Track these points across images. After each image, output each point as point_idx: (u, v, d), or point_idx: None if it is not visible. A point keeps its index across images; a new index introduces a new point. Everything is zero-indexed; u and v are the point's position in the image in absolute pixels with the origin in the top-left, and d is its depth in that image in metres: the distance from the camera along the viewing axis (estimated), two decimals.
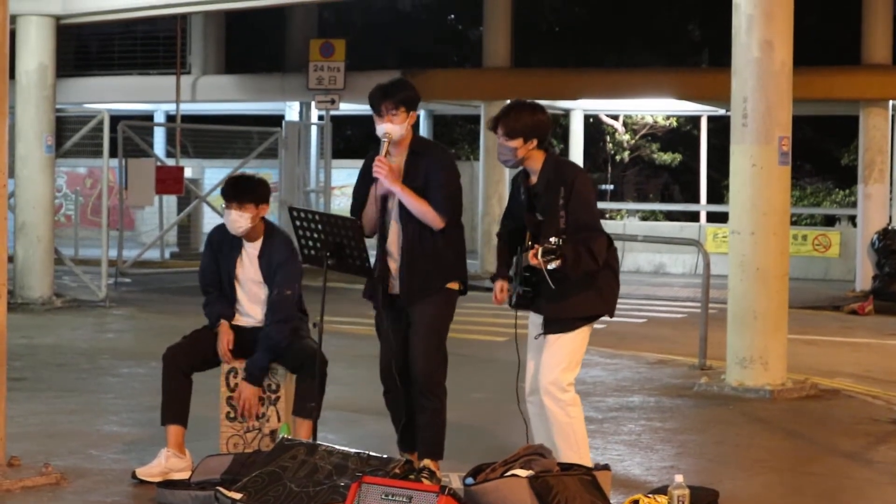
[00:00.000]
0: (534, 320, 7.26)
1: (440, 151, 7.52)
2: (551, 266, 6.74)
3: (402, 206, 7.35)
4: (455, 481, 7.23)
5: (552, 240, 6.76)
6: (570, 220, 6.94)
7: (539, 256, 6.75)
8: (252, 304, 7.89)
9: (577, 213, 6.96)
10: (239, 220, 7.72)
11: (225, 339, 7.79)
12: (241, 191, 7.74)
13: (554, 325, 7.11)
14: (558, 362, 7.08)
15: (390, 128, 7.31)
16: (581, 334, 7.14)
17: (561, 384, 7.08)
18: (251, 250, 7.83)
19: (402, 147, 7.41)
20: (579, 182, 7.02)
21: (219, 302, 7.90)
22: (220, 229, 7.92)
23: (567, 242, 6.81)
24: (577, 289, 7.00)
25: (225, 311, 7.87)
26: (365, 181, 7.53)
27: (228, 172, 25.57)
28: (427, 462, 7.34)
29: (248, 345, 7.82)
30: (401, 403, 7.52)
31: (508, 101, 7.25)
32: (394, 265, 7.40)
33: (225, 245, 7.87)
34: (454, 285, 7.43)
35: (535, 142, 7.09)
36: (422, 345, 7.35)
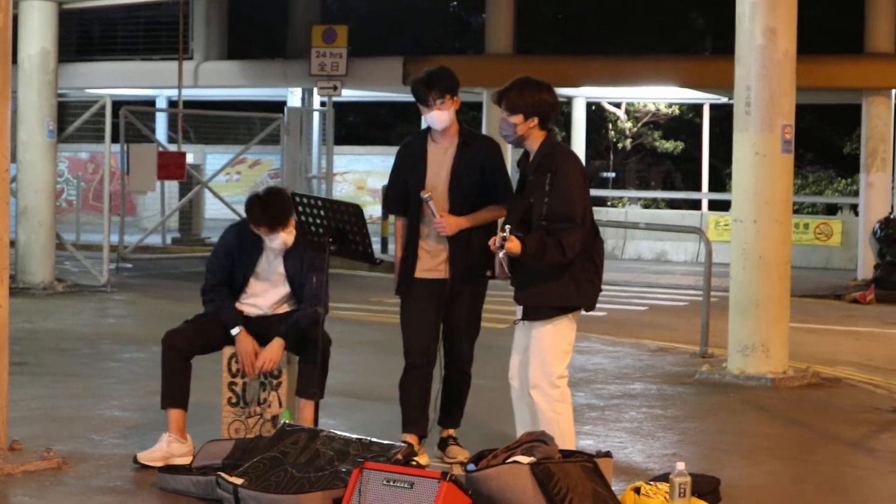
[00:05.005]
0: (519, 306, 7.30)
1: (490, 141, 7.76)
2: (501, 253, 6.77)
3: (450, 197, 7.51)
4: (457, 467, 7.24)
5: (507, 227, 6.77)
6: (549, 209, 6.91)
7: (496, 243, 6.78)
8: (266, 296, 7.90)
9: (555, 204, 6.89)
10: (288, 238, 7.77)
11: (252, 350, 7.73)
12: (282, 212, 7.70)
13: (527, 312, 7.12)
14: (541, 355, 7.05)
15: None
16: (560, 326, 7.06)
17: (550, 378, 7.04)
18: (276, 250, 7.81)
19: (451, 134, 7.61)
20: (563, 172, 6.93)
21: (228, 298, 7.86)
22: (237, 231, 7.91)
23: (535, 231, 6.84)
24: (547, 278, 6.96)
25: (237, 314, 7.85)
26: (404, 170, 7.61)
27: (230, 158, 25.64)
28: (451, 431, 7.87)
29: (256, 333, 7.84)
30: (422, 387, 7.70)
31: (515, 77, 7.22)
32: (433, 248, 7.57)
33: (246, 246, 7.85)
34: (490, 272, 7.62)
35: (535, 120, 7.04)
36: (469, 328, 7.75)
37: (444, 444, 7.87)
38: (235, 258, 7.88)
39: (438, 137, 7.60)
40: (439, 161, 7.59)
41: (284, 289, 7.87)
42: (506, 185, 7.62)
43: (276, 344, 7.71)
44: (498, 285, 7.59)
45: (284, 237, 7.74)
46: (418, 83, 7.54)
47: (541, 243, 6.81)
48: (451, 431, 7.90)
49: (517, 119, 7.05)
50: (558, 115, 7.27)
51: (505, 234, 6.71)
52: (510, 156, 17.70)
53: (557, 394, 7.07)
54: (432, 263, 7.60)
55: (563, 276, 6.97)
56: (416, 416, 7.73)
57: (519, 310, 7.23)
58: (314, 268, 7.74)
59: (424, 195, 7.46)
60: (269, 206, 7.70)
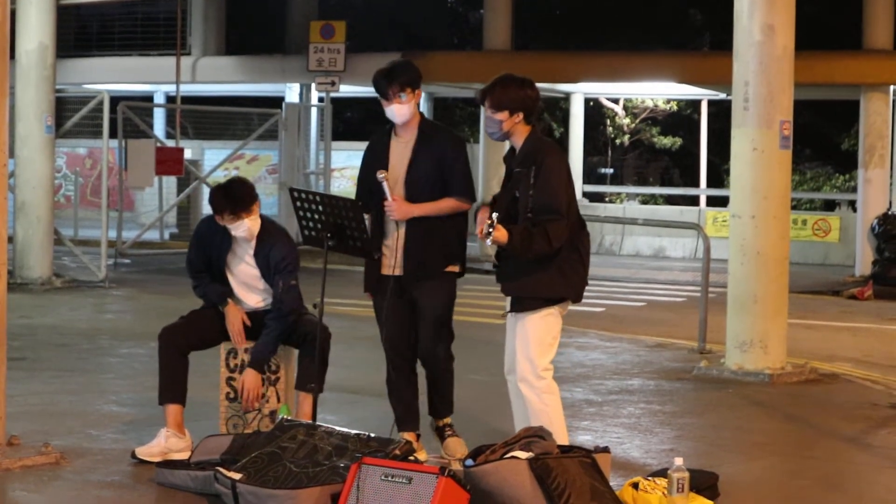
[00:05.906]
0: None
1: (449, 134, 7.68)
2: (488, 241, 6.78)
3: (407, 189, 7.40)
4: (455, 463, 7.24)
5: (494, 215, 6.77)
6: (534, 202, 6.94)
7: (484, 231, 6.79)
8: (245, 291, 7.90)
9: (539, 196, 6.93)
10: (254, 226, 7.73)
11: (239, 319, 7.79)
12: (244, 197, 7.69)
13: (515, 303, 7.13)
14: (526, 347, 7.06)
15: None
16: (546, 317, 7.08)
17: (535, 370, 7.06)
18: (244, 245, 7.81)
19: (411, 127, 7.55)
20: (547, 164, 6.98)
21: (212, 283, 7.89)
22: (208, 222, 7.91)
23: (522, 222, 6.85)
24: (532, 269, 6.98)
25: (227, 290, 7.87)
26: (369, 167, 7.59)
27: (229, 154, 25.63)
28: (446, 420, 7.75)
29: (250, 329, 7.84)
30: (408, 384, 7.64)
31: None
32: (393, 244, 7.47)
33: (216, 237, 7.85)
34: (454, 268, 7.57)
35: (520, 115, 7.08)
36: (431, 331, 7.57)
37: (441, 435, 7.80)
38: (207, 247, 7.89)
39: (401, 131, 7.59)
40: (400, 154, 7.55)
41: (262, 283, 7.87)
42: (462, 177, 7.50)
43: (250, 376, 7.70)
44: (485, 280, 7.60)
45: (249, 224, 7.71)
46: (379, 77, 7.53)
47: (527, 233, 6.84)
48: (447, 419, 7.84)
49: (503, 116, 7.10)
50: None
51: (492, 222, 6.71)
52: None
53: (544, 385, 7.08)
54: (394, 260, 7.56)
55: (550, 267, 7.00)
56: (407, 414, 7.71)
57: (508, 302, 7.25)
58: (281, 271, 7.73)
59: (380, 175, 7.41)
60: (230, 193, 7.70)
